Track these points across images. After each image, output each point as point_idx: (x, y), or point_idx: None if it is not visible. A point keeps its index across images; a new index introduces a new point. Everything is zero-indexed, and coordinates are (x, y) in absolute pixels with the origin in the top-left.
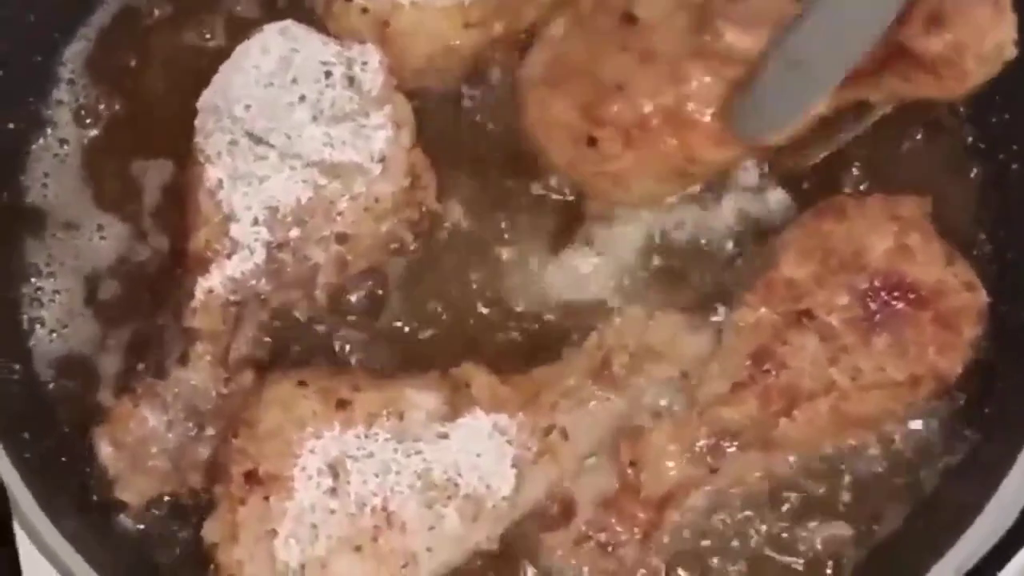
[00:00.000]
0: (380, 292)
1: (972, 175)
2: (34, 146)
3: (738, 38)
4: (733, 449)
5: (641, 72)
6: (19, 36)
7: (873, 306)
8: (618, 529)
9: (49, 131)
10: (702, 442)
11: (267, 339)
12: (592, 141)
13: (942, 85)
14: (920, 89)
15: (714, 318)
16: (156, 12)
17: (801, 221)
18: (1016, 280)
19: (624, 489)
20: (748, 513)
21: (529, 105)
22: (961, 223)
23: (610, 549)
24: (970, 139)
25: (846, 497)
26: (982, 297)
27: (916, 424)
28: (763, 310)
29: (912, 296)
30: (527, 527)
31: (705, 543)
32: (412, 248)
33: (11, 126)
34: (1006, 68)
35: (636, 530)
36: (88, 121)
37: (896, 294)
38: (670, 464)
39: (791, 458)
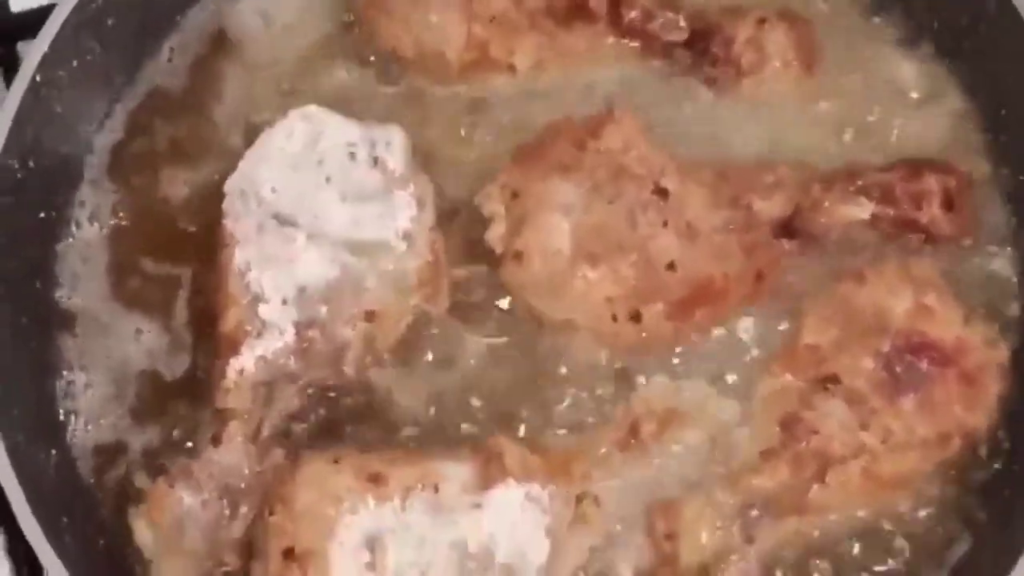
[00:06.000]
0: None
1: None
2: (61, 244)
3: (765, 207)
4: (768, 517)
5: (688, 250)
6: (49, 130)
7: (897, 367)
8: None
9: (74, 228)
10: (736, 511)
11: (298, 416)
12: (637, 316)
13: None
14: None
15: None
16: (176, 110)
17: (821, 288)
18: None
19: (661, 562)
20: None
21: (574, 286)
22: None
23: None
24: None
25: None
26: (1003, 352)
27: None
28: (788, 377)
29: (935, 355)
30: None
31: None
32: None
33: (42, 215)
34: None
35: None
36: (113, 218)
37: (919, 354)
38: (705, 535)
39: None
